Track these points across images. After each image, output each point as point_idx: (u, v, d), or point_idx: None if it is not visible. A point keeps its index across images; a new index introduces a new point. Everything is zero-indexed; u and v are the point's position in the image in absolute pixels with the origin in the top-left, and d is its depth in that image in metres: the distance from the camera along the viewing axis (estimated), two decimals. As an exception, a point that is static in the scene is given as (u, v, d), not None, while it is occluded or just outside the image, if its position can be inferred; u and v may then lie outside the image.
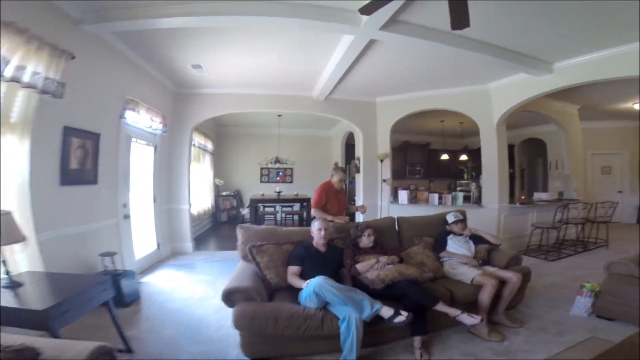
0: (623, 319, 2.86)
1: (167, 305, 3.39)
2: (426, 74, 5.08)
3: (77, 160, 3.11)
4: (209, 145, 8.28)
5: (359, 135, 6.51)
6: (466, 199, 5.89)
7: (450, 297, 2.73)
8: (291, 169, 10.24)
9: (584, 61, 4.25)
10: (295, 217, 8.34)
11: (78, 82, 3.13)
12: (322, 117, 8.45)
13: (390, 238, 3.44)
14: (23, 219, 2.35)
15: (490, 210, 5.59)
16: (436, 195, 5.72)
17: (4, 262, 1.98)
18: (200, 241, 6.49)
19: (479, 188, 5.85)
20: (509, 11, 3.14)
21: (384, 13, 2.97)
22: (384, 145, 6.36)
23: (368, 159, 6.40)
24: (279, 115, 8.04)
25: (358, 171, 7.08)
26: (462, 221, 3.50)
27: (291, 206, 8.47)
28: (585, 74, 4.32)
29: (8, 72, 2.22)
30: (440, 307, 2.44)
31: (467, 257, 3.21)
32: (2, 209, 2.02)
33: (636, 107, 6.63)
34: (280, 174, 10.25)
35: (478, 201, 5.77)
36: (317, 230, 2.87)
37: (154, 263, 4.87)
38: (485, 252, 3.36)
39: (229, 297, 2.33)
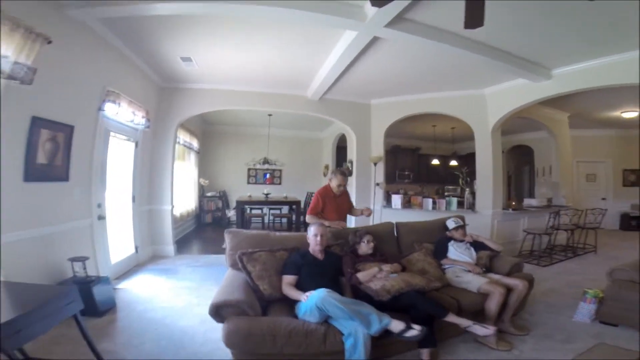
0: (626, 324, 2.85)
1: (147, 315, 3.07)
2: (424, 76, 4.99)
3: (46, 154, 2.77)
4: (195, 144, 7.93)
5: (352, 138, 6.34)
6: (459, 204, 5.79)
7: (457, 306, 2.59)
8: (280, 171, 9.97)
9: (583, 68, 4.22)
10: (284, 220, 8.08)
11: (53, 69, 2.83)
12: (313, 119, 8.27)
13: (389, 244, 3.26)
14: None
15: (484, 216, 5.54)
16: (430, 200, 5.59)
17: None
18: (182, 244, 6.14)
19: (473, 193, 5.77)
20: (512, 12, 3.05)
21: (392, 9, 2.85)
22: (378, 148, 6.21)
23: (361, 162, 6.23)
24: (270, 115, 7.79)
25: (350, 174, 6.89)
26: (463, 227, 3.40)
27: (279, 209, 8.20)
28: (583, 80, 4.29)
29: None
30: (451, 318, 2.32)
31: (470, 264, 3.11)
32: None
33: (624, 115, 6.72)
34: (268, 175, 9.96)
35: (472, 207, 5.68)
36: (313, 236, 2.65)
37: (131, 268, 4.51)
38: (487, 258, 3.26)
39: (219, 311, 2.07)
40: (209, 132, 9.41)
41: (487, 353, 2.49)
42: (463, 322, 2.33)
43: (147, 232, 5.16)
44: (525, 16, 3.11)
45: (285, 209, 8.34)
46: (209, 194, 8.93)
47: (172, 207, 5.47)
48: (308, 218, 3.34)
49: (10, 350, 1.46)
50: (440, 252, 3.26)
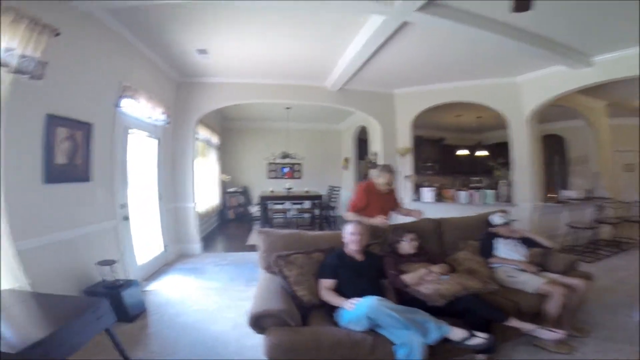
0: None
1: (178, 320, 2.96)
2: (453, 64, 4.72)
3: (65, 153, 2.64)
4: (215, 139, 7.83)
5: (376, 129, 6.07)
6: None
7: (516, 309, 2.36)
8: (300, 164, 9.80)
9: (626, 55, 3.96)
10: (306, 215, 7.90)
11: (65, 65, 2.69)
12: (331, 111, 8.06)
13: (430, 242, 3.01)
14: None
15: (523, 209, 5.18)
16: (464, 193, 5.28)
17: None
18: (208, 241, 6.06)
19: (509, 185, 5.44)
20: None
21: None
22: (405, 140, 5.92)
23: (387, 153, 5.96)
24: (288, 108, 7.59)
25: (374, 167, 6.63)
26: (509, 222, 3.13)
27: (301, 203, 8.03)
28: (626, 68, 4.02)
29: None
30: (513, 322, 2.12)
31: (525, 262, 2.84)
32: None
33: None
34: (286, 169, 9.80)
35: (509, 199, 5.35)
36: (350, 236, 2.44)
37: (160, 267, 4.44)
38: (540, 256, 2.99)
39: (259, 322, 1.91)
40: (228, 128, 9.32)
41: (547, 357, 2.32)
42: (526, 326, 2.13)
43: (174, 230, 5.09)
44: (568, 1, 2.90)
45: (307, 204, 8.17)
46: (230, 190, 8.87)
47: (195, 204, 5.38)
48: (349, 216, 3.07)
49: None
50: (486, 250, 3.01)
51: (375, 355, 1.89)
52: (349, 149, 9.00)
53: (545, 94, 4.99)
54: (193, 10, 3.17)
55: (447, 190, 5.49)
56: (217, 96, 5.42)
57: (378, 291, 2.25)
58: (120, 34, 3.51)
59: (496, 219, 3.14)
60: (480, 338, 1.86)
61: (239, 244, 6.02)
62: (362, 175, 8.49)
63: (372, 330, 1.96)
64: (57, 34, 2.32)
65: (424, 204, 5.47)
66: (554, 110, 6.29)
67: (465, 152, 9.46)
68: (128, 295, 2.84)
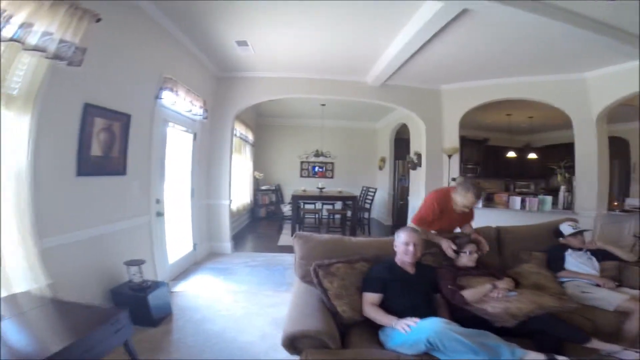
0: None
1: (204, 327, 2.77)
2: (511, 57, 4.23)
3: (101, 145, 2.52)
4: (250, 136, 7.74)
5: (420, 127, 5.64)
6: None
7: (593, 328, 2.05)
8: (332, 164, 9.52)
9: None
10: (337, 217, 7.54)
11: (106, 53, 2.58)
12: (367, 108, 7.75)
13: (489, 253, 2.61)
14: (19, 219, 1.79)
15: (585, 217, 4.56)
16: (518, 199, 4.74)
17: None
18: (238, 240, 5.94)
19: (569, 191, 4.83)
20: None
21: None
22: (452, 139, 5.44)
23: (432, 154, 5.51)
24: (323, 105, 7.35)
25: (414, 168, 6.21)
26: (582, 233, 2.76)
27: (332, 204, 7.72)
28: None
29: (9, 30, 1.66)
30: (596, 343, 1.79)
31: (601, 277, 2.49)
32: None
33: None
34: (317, 168, 9.57)
35: (570, 206, 4.75)
36: (403, 245, 2.09)
37: (189, 266, 4.33)
38: (616, 270, 2.63)
39: (294, 343, 1.63)
40: (263, 125, 9.26)
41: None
42: (610, 347, 1.78)
43: (205, 228, 5.00)
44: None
45: (338, 205, 7.85)
46: (263, 188, 8.78)
47: (230, 201, 5.25)
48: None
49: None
50: (556, 263, 2.64)
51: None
52: (385, 148, 8.58)
53: (617, 92, 4.38)
54: (233, 0, 3.02)
55: (499, 195, 4.96)
56: (255, 91, 5.26)
57: (431, 308, 1.97)
58: (162, 24, 3.41)
59: (567, 229, 2.79)
60: None
61: (270, 244, 5.84)
62: (400, 176, 8.04)
63: (426, 353, 1.64)
64: (98, 20, 2.20)
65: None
66: (619, 110, 5.56)
67: (513, 154, 8.70)
68: (154, 298, 2.69)
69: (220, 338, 2.59)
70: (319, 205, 7.74)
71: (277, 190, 8.09)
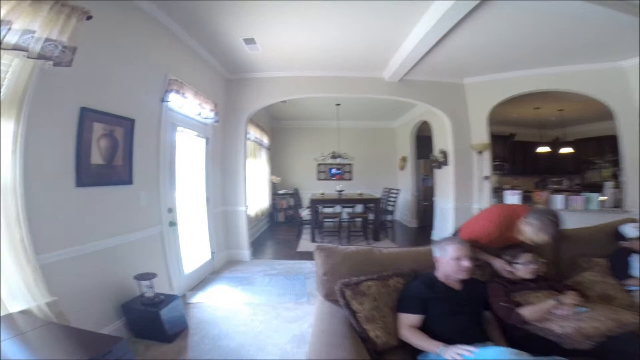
0: None
1: (221, 344, 2.55)
2: (542, 46, 3.88)
3: (102, 153, 2.35)
4: (265, 140, 7.55)
5: (444, 124, 5.27)
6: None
7: None
8: (350, 165, 9.22)
9: None
10: (358, 220, 7.21)
11: (105, 54, 2.42)
12: (385, 107, 7.43)
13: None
14: (9, 235, 1.61)
15: (636, 216, 4.09)
16: (560, 197, 4.31)
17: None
18: (257, 246, 5.73)
19: (617, 188, 4.36)
20: None
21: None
22: (481, 135, 5.05)
23: (459, 151, 5.14)
24: (338, 105, 7.09)
25: (439, 166, 5.84)
26: None
27: (352, 207, 7.41)
28: None
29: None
30: None
31: None
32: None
33: None
34: (334, 170, 9.28)
35: (618, 204, 4.28)
36: (453, 260, 1.77)
37: (207, 276, 4.14)
38: None
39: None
40: (278, 129, 9.10)
41: None
42: None
43: (223, 236, 4.81)
44: None
45: (358, 208, 7.54)
46: (280, 192, 8.58)
47: (247, 207, 5.05)
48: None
49: None
50: (619, 269, 2.28)
51: None
52: (406, 147, 8.21)
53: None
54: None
55: (538, 193, 4.53)
56: (267, 92, 5.05)
57: (481, 329, 1.70)
58: (163, 23, 3.23)
59: (631, 231, 2.43)
60: None
61: (289, 250, 5.61)
62: (423, 176, 7.66)
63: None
64: (89, 17, 2.01)
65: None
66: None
67: (547, 149, 8.15)
68: (168, 313, 2.50)
69: (237, 356, 2.37)
70: (338, 208, 7.48)
71: (295, 194, 7.86)
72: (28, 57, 1.69)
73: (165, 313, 2.44)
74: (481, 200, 4.88)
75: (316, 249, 1.99)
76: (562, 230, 1.97)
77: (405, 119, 8.27)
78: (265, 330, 2.80)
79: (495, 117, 7.98)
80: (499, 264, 2.03)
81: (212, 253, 4.36)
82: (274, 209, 8.40)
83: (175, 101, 3.28)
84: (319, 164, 9.11)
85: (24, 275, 1.70)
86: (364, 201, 6.66)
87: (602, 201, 4.33)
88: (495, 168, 8.86)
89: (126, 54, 2.67)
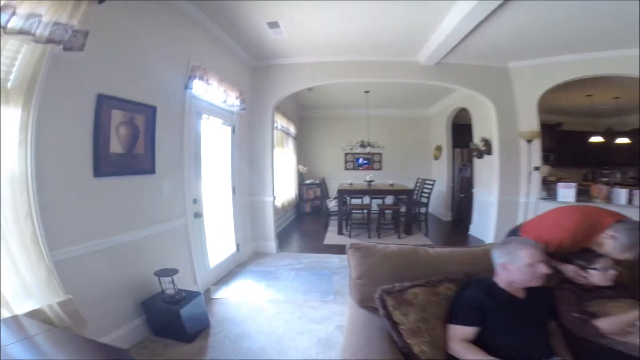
0: None
1: (243, 345, 2.40)
2: (601, 26, 3.37)
3: (122, 141, 2.21)
4: (292, 129, 7.35)
5: (489, 110, 4.80)
6: None
7: None
8: (379, 155, 8.84)
9: None
10: (388, 212, 6.86)
11: (123, 39, 2.26)
12: (417, 94, 7.01)
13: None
14: (19, 229, 1.49)
15: None
16: (624, 192, 3.78)
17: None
18: (283, 238, 5.58)
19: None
20: None
21: None
22: (530, 122, 4.56)
23: (505, 140, 4.67)
24: (367, 92, 6.73)
25: (480, 156, 5.38)
26: None
27: (382, 198, 7.06)
28: None
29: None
30: None
31: None
32: None
33: None
34: (361, 160, 8.96)
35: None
36: (527, 267, 1.47)
37: (232, 268, 4.03)
38: None
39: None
40: (304, 117, 8.87)
41: None
42: None
43: (249, 227, 4.69)
44: None
45: (389, 199, 7.18)
46: (307, 182, 8.40)
47: (274, 198, 4.88)
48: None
49: None
50: None
51: None
52: (441, 136, 7.71)
53: None
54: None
55: (596, 187, 4.02)
56: (294, 78, 4.79)
57: (548, 343, 1.45)
58: (184, 9, 3.02)
59: None
60: None
61: (316, 243, 5.41)
62: (460, 166, 7.17)
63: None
64: (101, 1, 1.86)
65: (559, 204, 4.12)
66: None
67: (599, 139, 7.41)
68: (189, 312, 2.36)
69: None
70: (366, 199, 7.18)
71: (322, 184, 7.62)
72: (35, 42, 1.56)
73: (186, 311, 2.31)
74: (529, 193, 4.41)
75: (350, 248, 1.74)
76: None
77: (440, 106, 7.77)
78: (289, 331, 2.62)
79: (542, 105, 7.38)
80: (571, 271, 1.69)
81: (238, 245, 4.24)
82: (300, 199, 8.24)
83: (200, 88, 3.11)
84: (347, 154, 8.83)
85: (36, 273, 1.58)
86: (396, 192, 6.31)
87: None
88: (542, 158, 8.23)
89: (146, 40, 2.51)
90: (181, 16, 3.00)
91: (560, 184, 4.18)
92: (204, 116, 3.43)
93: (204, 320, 2.59)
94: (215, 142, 3.80)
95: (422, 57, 4.49)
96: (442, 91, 6.72)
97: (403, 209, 6.10)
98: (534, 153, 4.50)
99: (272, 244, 4.82)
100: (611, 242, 1.58)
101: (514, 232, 2.04)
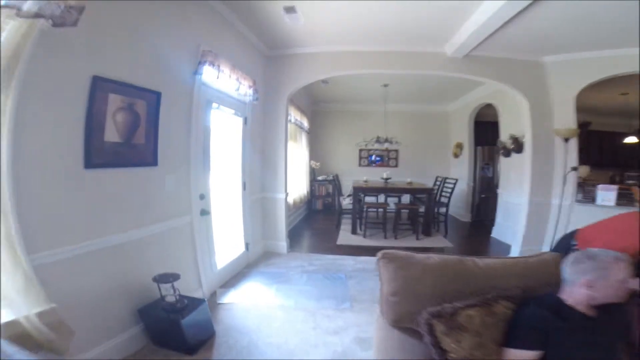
0: None
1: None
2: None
3: (119, 129, 1.96)
4: (305, 123, 7.07)
5: (522, 105, 4.41)
6: None
7: None
8: (395, 152, 8.50)
9: None
10: (403, 212, 6.48)
11: (125, 17, 2.03)
12: (437, 89, 6.69)
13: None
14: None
15: None
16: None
17: None
18: (293, 237, 5.31)
19: None
20: None
21: None
22: (566, 119, 4.17)
23: (539, 137, 4.28)
24: (385, 85, 6.38)
25: (508, 154, 5.02)
26: None
27: (398, 197, 6.72)
28: None
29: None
30: None
31: None
32: None
33: None
34: (373, 158, 8.64)
35: None
36: (618, 283, 1.22)
37: (241, 270, 3.78)
38: None
39: None
40: (318, 112, 8.59)
41: None
42: None
43: (259, 225, 4.44)
44: None
45: (406, 198, 6.84)
46: (319, 178, 8.13)
47: (287, 194, 4.62)
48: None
49: None
50: None
51: None
52: (462, 133, 7.32)
53: None
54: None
55: (636, 189, 3.65)
56: (310, 69, 4.48)
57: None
58: None
59: None
60: None
61: (328, 243, 5.13)
62: (482, 165, 6.80)
63: None
64: None
65: (596, 208, 3.77)
66: None
67: (633, 139, 6.97)
68: (191, 322, 2.11)
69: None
70: (381, 198, 6.86)
71: (335, 181, 7.31)
72: (19, 17, 1.31)
73: (187, 322, 2.06)
74: (565, 193, 4.04)
75: (382, 258, 1.45)
76: None
77: (462, 102, 7.38)
78: (302, 344, 2.36)
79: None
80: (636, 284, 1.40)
81: (247, 245, 3.99)
82: (312, 196, 7.97)
83: (210, 75, 2.85)
84: (361, 150, 8.52)
85: (11, 279, 1.34)
86: (414, 191, 5.97)
87: None
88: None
89: (151, 19, 2.25)
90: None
91: (600, 187, 3.80)
92: (214, 105, 3.17)
93: (208, 329, 2.35)
94: (225, 133, 3.55)
95: (449, 48, 4.16)
96: (465, 86, 6.35)
97: (422, 209, 5.76)
98: (570, 152, 4.11)
99: (283, 244, 4.57)
100: None
101: (568, 238, 1.74)
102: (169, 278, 2.08)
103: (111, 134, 1.89)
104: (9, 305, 1.38)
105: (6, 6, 1.28)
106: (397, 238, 5.41)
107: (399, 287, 1.39)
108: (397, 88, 6.65)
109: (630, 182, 6.81)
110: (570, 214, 4.04)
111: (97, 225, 1.88)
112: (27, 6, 1.31)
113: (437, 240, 5.28)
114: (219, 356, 2.16)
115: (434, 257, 1.47)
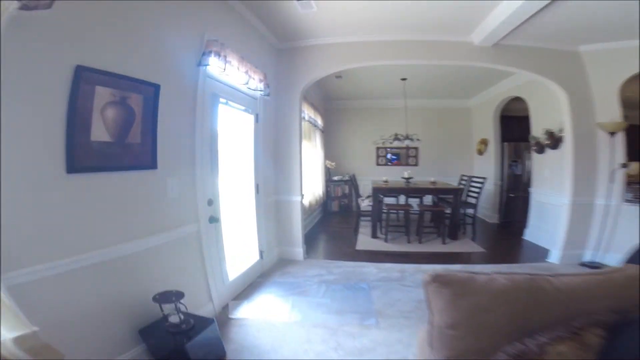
0: None
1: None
2: None
3: (109, 126, 1.69)
4: (319, 121, 6.77)
5: (560, 97, 4.00)
6: None
7: None
8: (415, 149, 8.10)
9: None
10: (424, 214, 6.03)
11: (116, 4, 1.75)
12: (458, 82, 6.34)
13: None
14: None
15: None
16: None
17: None
18: (310, 241, 5.00)
19: None
20: None
21: None
22: (610, 112, 3.76)
23: (580, 132, 3.88)
24: (403, 79, 6.03)
25: (541, 150, 4.61)
26: None
27: (420, 197, 6.32)
28: None
29: None
30: None
31: None
32: None
33: None
34: (390, 155, 8.27)
35: None
36: None
37: (255, 279, 3.51)
38: None
39: None
40: (332, 109, 8.29)
41: None
42: None
43: (274, 230, 4.16)
44: None
45: (428, 198, 6.43)
46: (335, 178, 7.81)
47: (302, 197, 4.33)
48: None
49: None
50: None
51: None
52: (487, 128, 6.87)
53: None
54: None
55: None
56: (324, 61, 4.17)
57: None
58: None
59: None
60: None
61: (347, 248, 4.82)
62: (511, 162, 6.36)
63: None
64: None
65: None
66: None
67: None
68: (198, 345, 1.84)
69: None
70: (401, 199, 6.48)
71: (352, 181, 6.95)
72: None
73: (193, 346, 1.78)
74: (612, 191, 3.62)
75: (433, 282, 1.13)
76: None
77: (486, 96, 6.94)
78: (325, 366, 2.05)
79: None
80: None
81: (261, 252, 3.71)
82: (327, 197, 7.66)
83: (216, 67, 2.58)
84: (378, 148, 8.17)
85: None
86: (439, 191, 5.59)
87: None
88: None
89: (147, 2, 1.99)
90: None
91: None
92: (222, 100, 2.90)
93: (218, 351, 2.07)
94: (235, 131, 3.28)
95: (476, 37, 3.82)
96: (489, 79, 5.96)
97: (448, 210, 5.37)
98: (617, 148, 3.68)
99: (299, 250, 4.27)
100: None
101: None
102: (172, 297, 1.81)
103: (100, 133, 1.62)
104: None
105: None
106: (422, 242, 5.05)
107: (461, 318, 1.07)
108: (416, 82, 6.30)
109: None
110: (618, 216, 3.62)
111: (85, 239, 1.62)
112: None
113: (465, 245, 4.90)
114: (229, 385, 1.89)
115: (499, 279, 1.14)
